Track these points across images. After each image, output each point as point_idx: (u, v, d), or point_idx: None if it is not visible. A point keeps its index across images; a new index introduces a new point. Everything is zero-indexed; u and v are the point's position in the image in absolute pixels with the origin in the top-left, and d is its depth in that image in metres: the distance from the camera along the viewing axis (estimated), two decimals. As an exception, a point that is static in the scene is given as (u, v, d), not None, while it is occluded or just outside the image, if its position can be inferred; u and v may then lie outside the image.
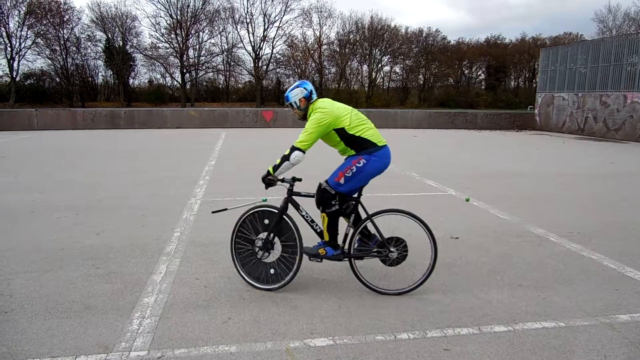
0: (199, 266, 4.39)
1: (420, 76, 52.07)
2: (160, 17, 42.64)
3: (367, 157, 3.74)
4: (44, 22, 40.08)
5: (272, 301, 3.65)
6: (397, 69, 51.43)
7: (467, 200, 7.18)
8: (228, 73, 47.65)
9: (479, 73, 57.26)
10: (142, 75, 47.23)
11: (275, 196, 7.29)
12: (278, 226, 3.89)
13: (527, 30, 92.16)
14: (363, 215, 3.94)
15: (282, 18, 44.17)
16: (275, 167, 3.75)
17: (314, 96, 3.90)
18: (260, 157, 12.42)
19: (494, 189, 8.18)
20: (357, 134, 3.73)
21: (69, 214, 6.20)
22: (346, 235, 3.95)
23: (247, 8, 44.12)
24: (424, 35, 49.65)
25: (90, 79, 44.75)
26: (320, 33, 45.68)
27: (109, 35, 42.39)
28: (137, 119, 22.59)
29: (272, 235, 3.89)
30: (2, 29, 38.88)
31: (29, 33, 39.97)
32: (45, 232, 5.46)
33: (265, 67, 45.50)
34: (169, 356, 2.89)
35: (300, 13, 45.20)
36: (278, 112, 24.22)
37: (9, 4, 38.53)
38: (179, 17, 41.89)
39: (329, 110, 3.74)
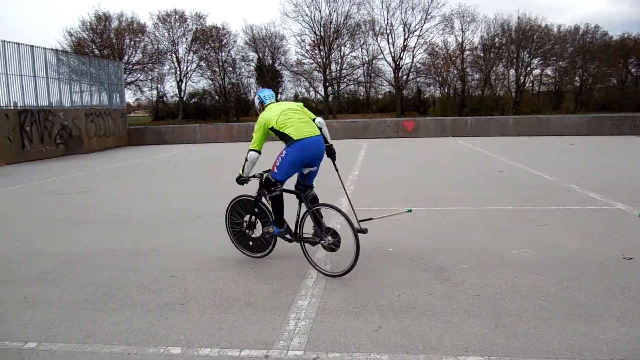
0: (348, 274, 4.48)
1: (577, 78, 47.30)
2: (305, 34, 44.69)
3: (287, 149, 4.42)
4: (206, 47, 44.75)
5: (422, 313, 3.59)
6: (548, 71, 47.35)
7: (641, 215, 6.33)
8: (368, 84, 48.36)
9: (650, 71, 50.27)
10: (289, 90, 50.06)
11: (420, 207, 7.19)
12: (256, 211, 4.87)
13: None
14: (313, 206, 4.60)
15: (422, 26, 43.43)
16: (243, 169, 4.68)
17: (266, 101, 4.75)
18: (403, 167, 12.35)
19: (676, 204, 7.09)
20: (282, 130, 4.41)
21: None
22: (296, 222, 4.65)
23: (387, 19, 43.98)
24: (580, 32, 45.10)
25: (243, 95, 48.70)
26: (462, 39, 44.06)
27: (260, 55, 45.79)
28: (285, 131, 24.00)
29: (253, 217, 4.90)
30: (173, 55, 44.37)
31: (194, 57, 45.04)
32: (210, 234, 6.05)
33: (405, 76, 45.25)
34: (324, 358, 3.00)
35: (441, 20, 43.49)
36: (420, 121, 23.93)
37: (178, 33, 43.89)
38: (322, 33, 43.69)
39: (263, 115, 4.57)
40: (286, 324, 3.49)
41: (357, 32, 43.88)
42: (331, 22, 43.37)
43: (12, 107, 17.37)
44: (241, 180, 4.76)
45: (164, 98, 49.05)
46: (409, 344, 3.14)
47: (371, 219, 5.92)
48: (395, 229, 6.05)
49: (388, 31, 43.28)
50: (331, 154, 4.75)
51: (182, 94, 45.76)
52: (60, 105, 20.15)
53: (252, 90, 47.85)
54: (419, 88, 48.21)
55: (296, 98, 49.45)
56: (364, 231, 4.43)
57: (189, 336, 3.35)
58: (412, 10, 42.66)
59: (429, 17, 42.40)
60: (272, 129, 4.47)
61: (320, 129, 4.59)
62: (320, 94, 46.42)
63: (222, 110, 46.91)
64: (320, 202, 4.67)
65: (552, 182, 9.16)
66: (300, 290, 4.12)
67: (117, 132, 23.88)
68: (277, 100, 4.86)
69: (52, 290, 4.32)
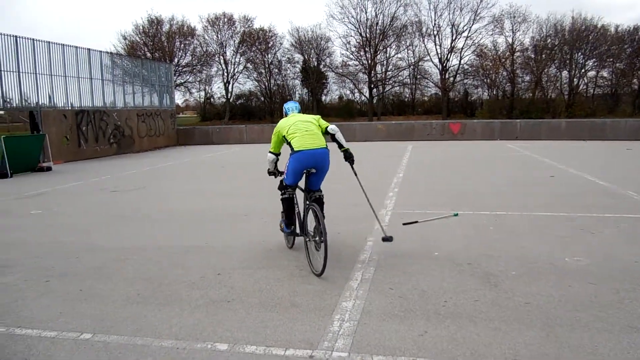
0: (393, 276, 4.45)
1: (635, 80, 45.09)
2: (351, 36, 44.56)
3: (290, 158, 4.85)
4: (253, 49, 45.50)
5: (470, 320, 3.51)
6: (604, 73, 45.26)
7: None
8: (414, 86, 47.81)
9: None
10: (334, 92, 50.13)
11: (467, 211, 7.04)
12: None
13: None
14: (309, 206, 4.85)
15: (470, 27, 42.47)
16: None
17: (289, 112, 5.20)
18: (448, 170, 12.13)
19: None
20: (289, 140, 4.82)
21: (273, 219, 6.85)
22: (301, 218, 5.01)
23: (435, 20, 43.28)
24: (639, 32, 42.99)
25: (288, 97, 49.12)
26: (513, 40, 42.83)
27: (306, 57, 46.10)
28: (329, 133, 24.08)
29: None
30: (221, 57, 45.36)
31: (241, 59, 45.90)
32: (256, 233, 6.15)
33: (452, 78, 44.43)
34: (368, 361, 2.99)
35: (490, 20, 42.30)
36: (466, 124, 23.46)
37: (226, 36, 44.86)
38: (368, 35, 43.56)
39: (278, 124, 5.02)
40: (330, 325, 3.49)
41: (404, 34, 43.43)
42: (377, 23, 43.14)
43: (70, 108, 18.23)
44: (270, 173, 5.33)
45: (212, 99, 50.20)
46: (456, 350, 3.08)
47: (416, 222, 5.86)
48: (442, 233, 5.95)
49: (435, 32, 42.64)
50: (347, 157, 5.01)
51: (229, 95, 46.70)
52: (114, 106, 20.98)
53: (297, 92, 48.29)
54: (466, 90, 47.20)
55: (340, 100, 49.55)
56: (390, 239, 4.67)
57: (235, 333, 3.41)
58: (461, 10, 41.84)
59: (478, 17, 41.47)
60: (284, 137, 4.91)
61: (333, 135, 4.94)
62: (365, 96, 46.26)
63: (267, 111, 47.53)
64: (318, 204, 4.82)
65: (608, 188, 8.77)
66: (344, 291, 4.11)
67: (167, 132, 24.62)
68: (301, 112, 5.32)
69: (105, 283, 4.51)
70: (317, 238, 4.51)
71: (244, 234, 6.17)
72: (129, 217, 7.44)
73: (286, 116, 5.17)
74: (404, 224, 5.81)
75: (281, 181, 5.16)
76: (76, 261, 5.23)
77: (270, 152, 5.14)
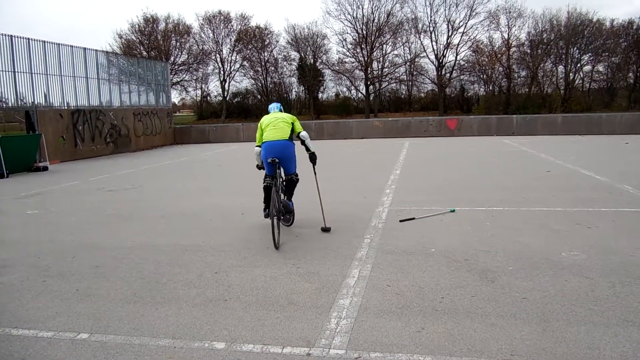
0: (390, 273, 4.45)
1: (630, 74, 45.14)
2: (347, 33, 44.55)
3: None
4: (249, 47, 45.39)
5: (466, 316, 3.51)
6: (600, 67, 45.33)
7: (703, 219, 5.98)
8: (410, 83, 47.78)
9: None
10: (330, 89, 50.08)
11: (463, 207, 7.05)
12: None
13: None
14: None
15: (466, 23, 42.44)
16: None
17: (271, 111, 6.25)
18: (444, 166, 12.14)
19: None
20: (263, 134, 5.89)
21: (272, 217, 6.86)
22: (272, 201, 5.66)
23: (431, 16, 43.28)
24: (634, 27, 42.96)
25: (285, 95, 49.16)
26: (508, 35, 42.82)
27: (302, 54, 46.01)
28: (326, 130, 24.08)
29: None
30: (217, 55, 45.24)
31: (237, 57, 45.80)
32: (253, 232, 6.15)
33: (448, 74, 44.42)
34: (365, 358, 2.99)
35: (486, 16, 42.24)
36: (463, 120, 23.47)
37: (223, 34, 44.73)
38: (364, 31, 43.51)
39: (260, 121, 6.06)
40: (328, 322, 3.49)
41: (400, 30, 43.39)
42: (373, 20, 43.10)
43: (66, 107, 18.17)
44: (258, 167, 6.27)
45: (208, 98, 50.09)
46: (453, 346, 3.09)
47: (413, 218, 5.87)
48: (438, 229, 5.95)
49: (431, 28, 42.63)
50: (311, 159, 6.15)
51: (226, 93, 46.60)
52: (110, 105, 20.91)
53: (293, 90, 48.24)
54: (463, 86, 47.22)
55: (337, 97, 49.51)
56: (328, 230, 5.91)
57: (233, 332, 3.41)
58: (457, 6, 41.85)
59: (473, 13, 41.46)
60: (262, 130, 5.93)
61: (303, 140, 6.02)
62: (361, 93, 46.24)
63: (264, 110, 47.04)
64: (289, 184, 6.07)
65: (604, 183, 8.79)
66: (341, 289, 4.12)
67: (164, 131, 24.56)
68: (282, 110, 6.38)
69: (102, 283, 4.50)
70: (281, 217, 5.61)
71: (241, 233, 6.17)
72: (126, 217, 7.42)
73: (268, 114, 6.17)
74: (400, 221, 5.83)
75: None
76: (73, 261, 5.22)
77: (256, 146, 6.04)
